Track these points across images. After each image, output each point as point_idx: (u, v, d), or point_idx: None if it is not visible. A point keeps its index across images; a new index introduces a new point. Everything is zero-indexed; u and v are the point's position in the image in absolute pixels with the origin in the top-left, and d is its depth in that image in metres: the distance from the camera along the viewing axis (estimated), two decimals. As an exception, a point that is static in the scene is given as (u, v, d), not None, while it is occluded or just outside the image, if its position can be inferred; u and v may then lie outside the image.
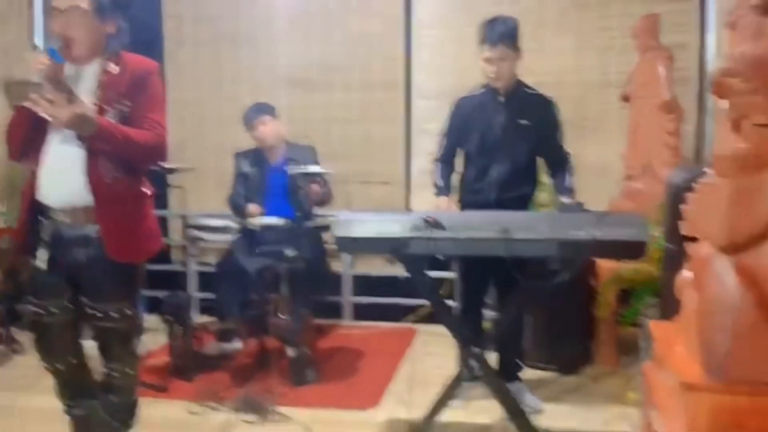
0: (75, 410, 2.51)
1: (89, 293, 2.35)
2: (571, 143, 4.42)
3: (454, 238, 2.54)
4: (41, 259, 2.32)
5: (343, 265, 4.66)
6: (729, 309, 1.59)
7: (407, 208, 4.69)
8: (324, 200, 3.84)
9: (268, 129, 3.92)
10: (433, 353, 4.01)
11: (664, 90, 3.59)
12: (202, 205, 4.82)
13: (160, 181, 4.32)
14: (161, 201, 4.71)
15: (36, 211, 2.33)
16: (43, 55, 2.14)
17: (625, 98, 3.86)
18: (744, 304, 1.57)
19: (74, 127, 2.15)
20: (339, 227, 2.63)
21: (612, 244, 2.44)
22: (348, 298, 4.74)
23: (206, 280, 4.46)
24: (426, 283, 2.83)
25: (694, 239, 1.79)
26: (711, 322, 1.62)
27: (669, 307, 2.09)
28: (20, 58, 4.53)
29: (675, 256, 2.13)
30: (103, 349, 2.42)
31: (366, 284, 4.71)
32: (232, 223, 3.69)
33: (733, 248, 1.59)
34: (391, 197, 4.78)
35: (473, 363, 2.74)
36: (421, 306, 4.51)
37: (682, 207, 1.81)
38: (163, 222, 4.98)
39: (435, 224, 2.57)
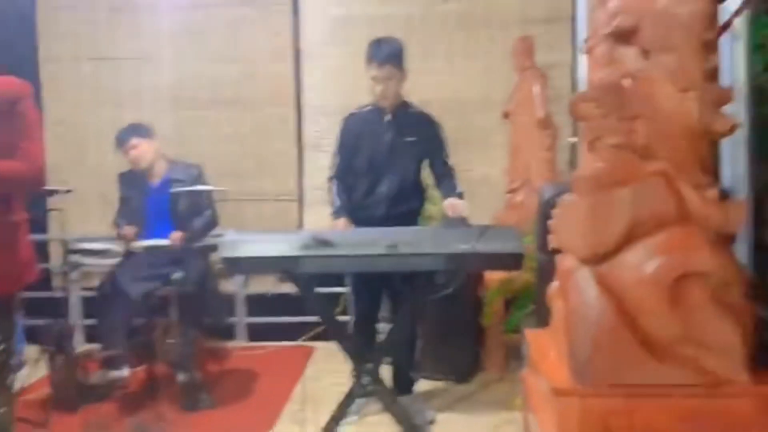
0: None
1: None
2: (458, 159, 4.56)
3: (343, 255, 2.58)
4: None
5: (236, 285, 4.60)
6: (591, 316, 1.71)
7: (301, 225, 4.69)
8: (209, 225, 3.79)
9: (139, 152, 3.80)
10: (331, 370, 4.01)
11: (539, 108, 3.81)
12: (85, 228, 4.61)
13: (39, 204, 4.12)
14: (40, 225, 4.49)
15: None
16: None
17: (506, 115, 4.06)
18: (604, 311, 1.70)
19: None
20: (225, 248, 2.61)
21: (492, 256, 2.56)
22: (242, 318, 4.67)
23: (92, 306, 4.27)
24: (316, 300, 2.84)
25: (561, 251, 1.91)
26: (575, 329, 1.74)
27: (543, 316, 2.21)
28: None
29: (546, 267, 2.27)
30: None
31: (261, 304, 4.65)
32: (113, 247, 3.55)
33: (592, 260, 1.72)
34: (285, 214, 4.76)
35: (365, 378, 2.77)
36: (319, 323, 4.51)
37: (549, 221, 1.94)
38: (42, 247, 4.74)
39: (324, 242, 2.59)
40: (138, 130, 3.85)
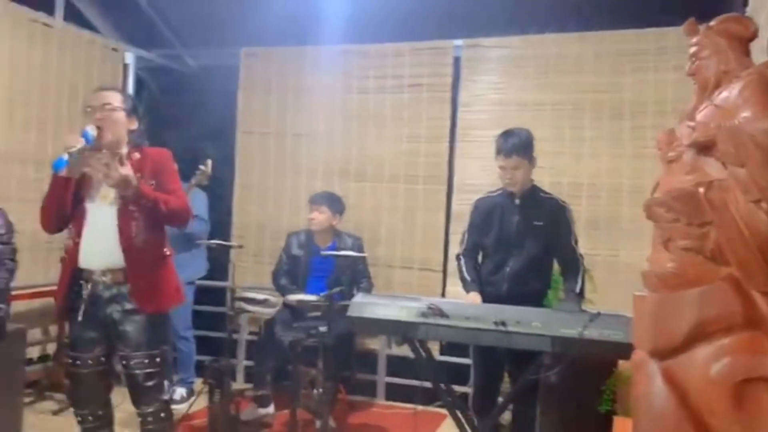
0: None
1: (123, 342, 2.76)
2: (605, 243, 4.63)
3: (453, 326, 2.81)
4: (80, 315, 2.75)
5: (379, 345, 4.94)
6: (655, 408, 1.79)
7: (443, 294, 4.95)
8: (368, 289, 4.26)
9: (318, 217, 4.41)
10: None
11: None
12: (261, 279, 5.25)
13: (224, 256, 4.81)
14: (223, 274, 5.19)
15: (76, 275, 2.78)
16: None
17: (649, 205, 4.05)
18: (668, 405, 1.77)
19: (121, 186, 2.62)
20: (353, 308, 2.95)
21: (598, 343, 2.65)
22: (382, 377, 4.98)
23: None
24: (430, 365, 3.07)
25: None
26: (640, 419, 1.83)
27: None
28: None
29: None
30: (135, 396, 2.80)
31: (402, 365, 4.93)
32: (271, 297, 4.06)
33: (658, 355, 1.80)
34: (430, 282, 5.07)
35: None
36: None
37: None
38: (222, 293, 5.45)
39: (438, 312, 2.85)
40: (329, 199, 4.49)
